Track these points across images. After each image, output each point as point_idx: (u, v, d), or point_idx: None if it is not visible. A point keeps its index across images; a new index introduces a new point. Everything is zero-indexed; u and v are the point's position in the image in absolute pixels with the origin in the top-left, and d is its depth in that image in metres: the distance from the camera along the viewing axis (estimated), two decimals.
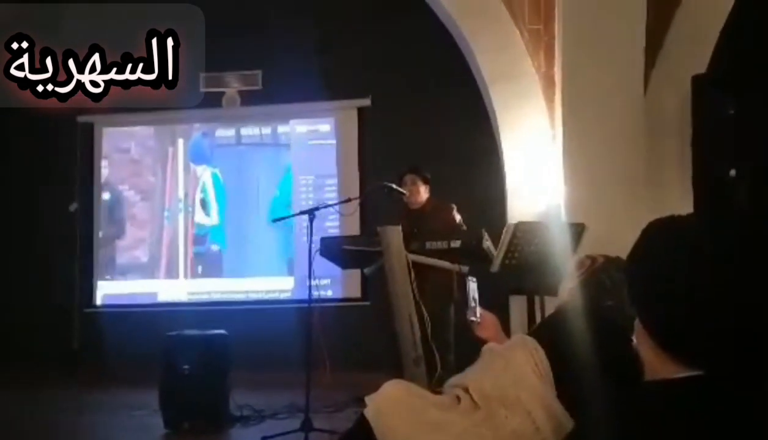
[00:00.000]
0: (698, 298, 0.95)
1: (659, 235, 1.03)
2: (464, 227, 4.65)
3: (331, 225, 6.57)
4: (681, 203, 4.79)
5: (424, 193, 4.82)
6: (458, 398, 1.91)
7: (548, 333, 2.00)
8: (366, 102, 7.00)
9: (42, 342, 6.72)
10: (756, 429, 0.90)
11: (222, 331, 4.69)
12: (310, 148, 7.19)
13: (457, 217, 4.72)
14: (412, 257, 3.89)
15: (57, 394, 5.64)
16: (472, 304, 2.33)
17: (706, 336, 0.94)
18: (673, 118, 5.05)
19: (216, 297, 7.05)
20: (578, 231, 3.83)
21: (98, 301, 7.23)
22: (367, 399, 2.02)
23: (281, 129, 7.24)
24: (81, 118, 7.33)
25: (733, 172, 4.53)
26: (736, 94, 4.72)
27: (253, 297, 7.01)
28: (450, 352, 4.35)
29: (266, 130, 7.27)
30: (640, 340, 1.03)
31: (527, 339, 1.97)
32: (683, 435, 0.91)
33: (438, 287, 4.22)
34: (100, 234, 7.31)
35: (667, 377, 0.97)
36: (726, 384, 0.92)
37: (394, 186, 4.63)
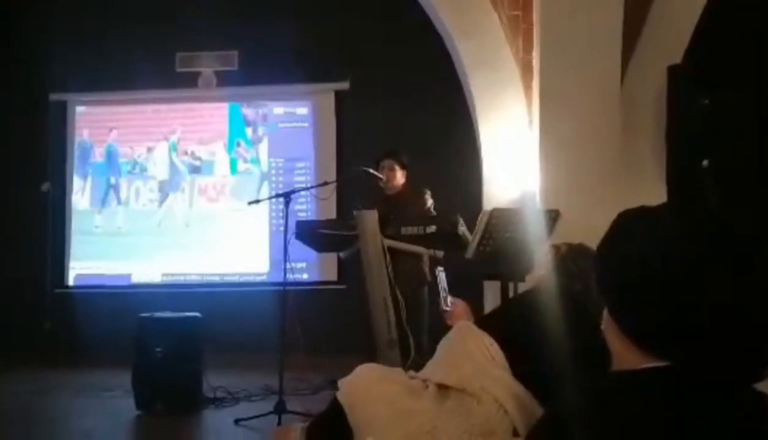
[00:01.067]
0: (667, 289, 0.95)
1: (629, 225, 1.04)
2: (434, 212, 4.65)
3: (300, 208, 6.55)
4: (655, 191, 4.85)
5: (401, 178, 4.82)
6: (426, 385, 1.93)
7: (514, 326, 2.02)
8: (344, 85, 6.97)
9: (13, 323, 6.63)
10: (722, 420, 0.92)
11: (195, 313, 4.66)
12: (282, 131, 7.15)
13: (429, 202, 4.71)
14: (388, 242, 3.90)
15: (28, 375, 5.58)
16: (443, 294, 2.36)
17: (673, 326, 0.95)
18: (649, 107, 5.10)
19: (190, 279, 7.00)
20: (553, 217, 3.86)
21: (70, 282, 7.15)
22: (339, 382, 2.03)
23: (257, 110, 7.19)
24: (53, 96, 7.22)
25: (705, 162, 4.60)
26: (711, 86, 4.78)
27: (228, 279, 6.98)
28: (424, 335, 4.37)
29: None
30: (608, 330, 1.04)
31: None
32: (649, 426, 0.92)
33: (411, 271, 4.24)
34: (72, 214, 7.22)
35: (634, 367, 0.98)
36: (693, 375, 0.94)
37: (372, 170, 4.62)
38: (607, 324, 1.04)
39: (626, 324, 1.00)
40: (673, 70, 4.89)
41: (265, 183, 7.08)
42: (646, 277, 0.97)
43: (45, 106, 7.20)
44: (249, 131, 7.17)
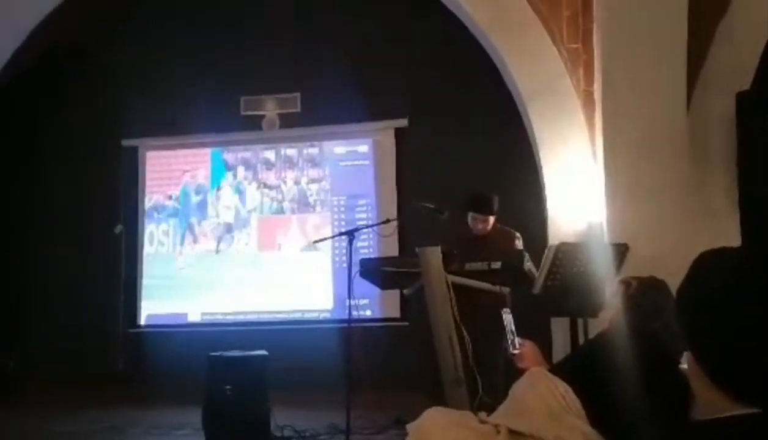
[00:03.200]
0: (752, 332, 0.93)
1: (710, 269, 1.01)
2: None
3: (362, 244, 6.59)
4: (725, 223, 4.69)
5: (492, 221, 4.67)
6: (498, 430, 1.88)
7: (586, 364, 1.95)
8: (403, 122, 7.04)
9: (87, 362, 6.85)
10: None
11: (263, 352, 4.72)
12: (343, 169, 7.25)
13: (519, 244, 4.55)
14: (453, 278, 3.85)
15: (101, 413, 5.72)
16: (511, 337, 2.29)
17: (759, 370, 0.92)
18: (716, 135, 4.96)
19: (257, 317, 7.10)
20: (621, 251, 3.77)
21: (142, 321, 7.35)
22: (408, 427, 2.01)
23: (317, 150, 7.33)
24: (125, 142, 7.52)
25: None
26: None
27: (293, 317, 7.06)
28: (499, 375, 4.20)
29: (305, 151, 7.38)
30: (692, 375, 1.01)
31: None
32: None
33: (486, 308, 4.11)
34: (144, 255, 7.46)
35: (720, 414, 0.95)
36: None
37: (431, 205, 4.55)
38: (692, 370, 1.01)
39: (713, 371, 0.97)
40: (741, 97, 4.75)
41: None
42: (730, 321, 0.95)
43: (118, 151, 7.51)
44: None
